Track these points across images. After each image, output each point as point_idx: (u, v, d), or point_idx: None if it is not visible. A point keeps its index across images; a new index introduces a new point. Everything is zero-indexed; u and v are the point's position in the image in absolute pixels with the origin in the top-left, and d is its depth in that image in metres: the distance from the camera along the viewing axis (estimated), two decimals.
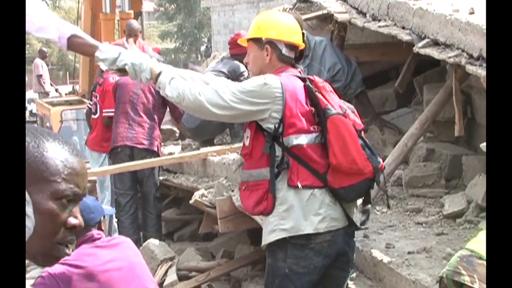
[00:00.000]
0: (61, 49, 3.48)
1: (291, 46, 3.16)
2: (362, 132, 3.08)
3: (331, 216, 2.99)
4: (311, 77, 3.12)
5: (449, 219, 3.81)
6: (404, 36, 4.09)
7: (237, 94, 3.01)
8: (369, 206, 3.18)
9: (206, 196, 4.95)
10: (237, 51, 5.19)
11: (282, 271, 3.03)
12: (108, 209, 4.06)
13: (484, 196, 3.68)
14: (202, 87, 3.04)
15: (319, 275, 3.06)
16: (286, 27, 3.18)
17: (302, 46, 3.20)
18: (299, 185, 2.98)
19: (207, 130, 5.54)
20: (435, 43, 3.85)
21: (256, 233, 4.51)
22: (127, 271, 2.86)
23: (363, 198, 3.12)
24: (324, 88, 3.06)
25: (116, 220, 5.86)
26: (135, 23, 7.26)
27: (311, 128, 3.01)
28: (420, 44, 3.93)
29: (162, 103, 5.67)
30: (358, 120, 3.08)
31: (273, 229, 3.01)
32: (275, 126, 2.99)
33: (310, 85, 3.03)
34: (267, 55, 3.12)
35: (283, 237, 2.99)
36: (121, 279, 2.80)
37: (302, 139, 3.02)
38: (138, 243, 5.53)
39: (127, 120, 5.55)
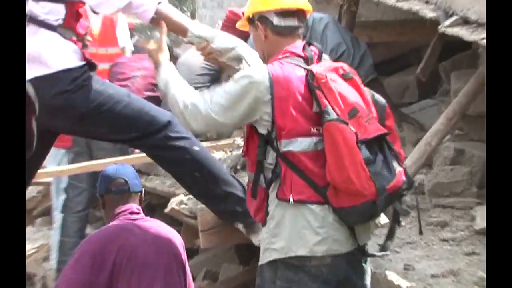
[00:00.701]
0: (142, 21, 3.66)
1: (284, 13, 2.90)
2: (386, 138, 2.81)
3: (333, 238, 2.75)
4: (313, 68, 2.79)
5: (481, 235, 3.65)
6: (428, 13, 3.91)
7: (221, 104, 2.86)
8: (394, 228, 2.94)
9: (186, 204, 4.70)
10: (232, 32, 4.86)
11: None
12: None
13: None
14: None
15: None
16: None
17: (301, 7, 2.95)
18: (291, 199, 2.78)
19: None
20: (465, 22, 3.67)
21: (245, 249, 4.50)
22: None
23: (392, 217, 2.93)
24: (328, 83, 2.74)
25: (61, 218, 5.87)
26: None
27: (312, 130, 2.75)
28: (447, 23, 3.74)
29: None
30: (379, 126, 2.80)
31: (266, 248, 2.87)
32: (268, 130, 2.81)
33: (311, 80, 2.76)
34: (262, 33, 2.94)
35: (278, 259, 2.82)
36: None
37: (296, 144, 2.78)
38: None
39: None
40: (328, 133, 2.71)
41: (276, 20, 2.89)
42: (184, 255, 3.41)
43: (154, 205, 5.93)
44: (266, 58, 3.00)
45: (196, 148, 3.51)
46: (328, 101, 2.73)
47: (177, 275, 3.30)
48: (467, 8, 3.62)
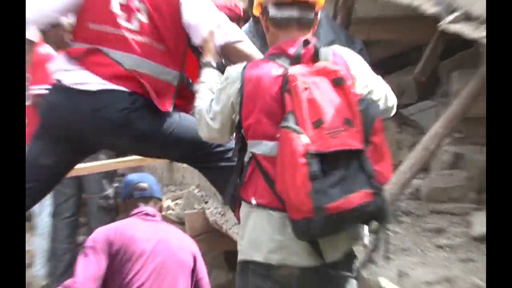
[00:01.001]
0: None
1: (280, 3, 2.78)
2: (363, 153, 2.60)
3: (292, 249, 2.66)
4: (292, 69, 2.68)
5: (478, 241, 3.67)
6: (429, 8, 3.89)
7: (212, 108, 2.87)
8: (365, 242, 2.78)
9: (173, 210, 4.75)
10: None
11: None
12: None
13: None
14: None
15: None
16: None
17: None
18: (253, 202, 2.72)
19: None
20: (468, 18, 3.68)
21: (234, 255, 4.13)
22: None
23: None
24: (297, 88, 2.61)
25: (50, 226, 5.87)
26: None
27: (278, 135, 2.64)
28: (448, 19, 3.74)
29: None
30: (353, 140, 2.59)
31: (238, 248, 2.85)
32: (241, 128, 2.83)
33: (284, 82, 2.66)
34: (264, 24, 2.86)
35: (242, 260, 2.77)
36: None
37: (259, 147, 2.72)
38: (67, 259, 5.77)
39: None
40: (280, 140, 2.64)
41: (272, 11, 2.80)
42: (193, 259, 3.56)
43: None
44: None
45: (230, 156, 3.48)
46: (294, 106, 2.63)
47: (184, 276, 3.45)
48: (470, 3, 3.60)
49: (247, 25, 4.49)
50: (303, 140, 2.54)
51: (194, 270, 3.57)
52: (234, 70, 2.83)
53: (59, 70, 3.34)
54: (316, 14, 2.85)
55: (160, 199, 3.80)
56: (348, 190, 2.55)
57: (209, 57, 3.17)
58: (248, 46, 3.25)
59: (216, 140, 3.09)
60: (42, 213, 5.90)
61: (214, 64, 3.12)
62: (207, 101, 2.94)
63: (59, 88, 3.32)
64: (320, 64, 2.72)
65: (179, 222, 4.51)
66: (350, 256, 2.78)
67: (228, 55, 3.24)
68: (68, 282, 3.61)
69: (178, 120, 3.42)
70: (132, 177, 3.82)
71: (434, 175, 4.33)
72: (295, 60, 2.73)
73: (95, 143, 3.49)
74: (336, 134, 2.59)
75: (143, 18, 3.29)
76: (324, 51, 2.78)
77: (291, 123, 2.58)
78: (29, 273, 6.23)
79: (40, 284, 6.14)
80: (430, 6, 3.87)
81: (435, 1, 3.88)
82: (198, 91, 3.04)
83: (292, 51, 2.74)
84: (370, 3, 5.10)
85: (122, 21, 3.28)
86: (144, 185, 3.70)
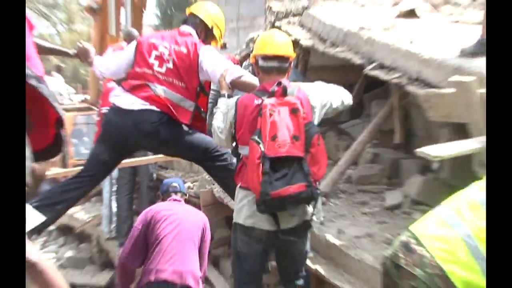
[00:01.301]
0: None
1: (266, 58, 2.93)
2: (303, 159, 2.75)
3: (260, 217, 2.83)
4: (266, 100, 2.80)
5: (388, 210, 3.75)
6: (357, 60, 4.04)
7: (220, 126, 3.00)
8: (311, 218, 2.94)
9: (192, 188, 4.86)
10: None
11: (236, 250, 2.99)
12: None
13: (417, 192, 3.70)
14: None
15: (262, 258, 2.97)
16: (259, 42, 3.00)
17: (278, 53, 2.93)
18: (239, 185, 2.91)
19: None
20: (382, 67, 3.81)
21: (231, 219, 4.26)
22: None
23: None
24: (265, 113, 2.75)
25: (115, 200, 5.79)
26: (135, 32, 6.94)
27: None
28: (369, 67, 3.89)
29: None
30: (297, 150, 2.72)
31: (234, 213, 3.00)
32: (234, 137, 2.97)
33: (260, 108, 2.79)
34: (255, 70, 3.01)
35: (234, 222, 2.94)
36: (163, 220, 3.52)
37: (244, 150, 2.89)
38: (130, 224, 5.59)
39: None
40: (249, 147, 2.75)
41: (261, 62, 2.95)
42: (202, 229, 3.64)
43: None
44: None
45: (231, 160, 3.48)
46: (262, 125, 2.73)
47: (193, 233, 3.57)
48: (383, 57, 3.77)
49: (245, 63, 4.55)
50: (261, 148, 2.68)
51: (202, 235, 3.64)
52: (232, 101, 2.96)
53: (115, 96, 3.48)
54: (290, 63, 2.96)
55: (185, 194, 3.91)
56: (287, 183, 2.67)
57: (224, 91, 3.22)
58: (249, 77, 3.25)
59: (224, 146, 3.09)
60: (103, 191, 5.85)
61: (227, 96, 3.18)
62: (219, 121, 3.02)
63: (114, 108, 3.45)
64: (286, 98, 2.81)
65: (196, 197, 4.59)
66: (303, 227, 2.89)
67: (237, 86, 3.27)
68: (120, 251, 3.90)
69: (192, 134, 3.47)
70: (168, 180, 4.00)
71: (360, 167, 4.43)
72: (270, 94, 2.82)
73: (135, 146, 3.53)
74: (283, 146, 2.70)
75: (170, 65, 3.39)
76: (291, 88, 2.85)
77: (256, 136, 2.72)
78: (99, 229, 6.18)
79: (105, 238, 6.04)
80: (357, 58, 4.03)
81: (361, 55, 4.02)
82: (215, 114, 3.07)
83: (270, 89, 2.85)
84: (319, 56, 4.97)
85: (155, 67, 3.41)
86: (175, 184, 3.89)
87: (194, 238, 3.55)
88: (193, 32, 3.49)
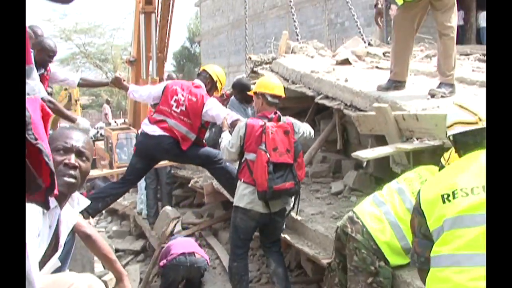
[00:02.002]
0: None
1: (273, 96, 2.97)
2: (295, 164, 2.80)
3: (257, 203, 2.84)
4: (268, 123, 2.83)
5: (334, 195, 3.71)
6: (310, 93, 3.99)
7: (231, 141, 2.96)
8: (290, 206, 2.95)
9: (198, 182, 4.79)
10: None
11: (234, 224, 2.96)
12: None
13: (353, 182, 3.65)
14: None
15: (253, 231, 2.97)
16: (268, 83, 3.02)
17: (281, 95, 2.99)
18: (242, 179, 2.89)
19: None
20: (327, 97, 3.77)
21: (226, 203, 4.40)
22: None
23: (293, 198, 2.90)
24: (268, 131, 2.77)
25: (145, 192, 5.61)
26: (173, 75, 6.85)
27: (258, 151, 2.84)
28: (318, 98, 3.85)
29: None
30: (289, 159, 2.77)
31: (234, 200, 3.00)
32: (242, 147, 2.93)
33: (263, 128, 2.82)
34: (260, 101, 2.98)
35: (235, 205, 2.93)
36: None
37: (249, 156, 2.89)
38: (156, 208, 5.44)
39: None
40: (257, 154, 2.78)
41: (269, 98, 2.95)
42: None
43: (184, 183, 5.81)
44: (256, 112, 3.04)
45: (229, 166, 3.44)
46: (266, 140, 2.78)
47: None
48: (327, 91, 3.73)
49: (232, 97, 4.43)
50: (267, 155, 2.75)
51: None
52: (242, 123, 2.96)
53: (144, 124, 3.50)
54: (280, 100, 3.00)
55: None
56: (284, 181, 2.74)
57: (225, 128, 3.20)
58: (240, 118, 3.26)
59: (231, 158, 2.98)
60: (139, 186, 5.57)
61: (227, 131, 3.15)
62: (226, 141, 3.00)
63: (143, 133, 3.48)
64: (280, 123, 2.89)
65: (201, 188, 4.44)
66: (283, 211, 2.94)
67: (234, 125, 3.22)
68: None
69: (196, 149, 3.43)
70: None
71: (314, 165, 4.31)
72: (270, 119, 2.89)
73: (159, 158, 3.56)
74: (282, 155, 2.78)
75: (183, 108, 3.36)
76: (283, 117, 2.95)
77: (263, 147, 2.77)
78: (134, 211, 5.87)
79: (139, 217, 5.75)
80: (310, 92, 3.96)
81: (312, 89, 3.95)
82: (222, 140, 3.06)
83: (269, 116, 2.91)
84: (284, 90, 4.63)
85: (173, 108, 3.38)
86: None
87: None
88: (202, 85, 3.47)
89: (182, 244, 3.71)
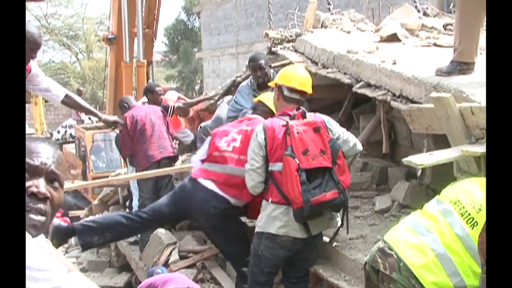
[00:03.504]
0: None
1: (292, 90, 3.07)
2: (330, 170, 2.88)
3: (291, 226, 2.90)
4: (291, 122, 2.94)
5: (378, 213, 3.76)
6: (346, 80, 4.05)
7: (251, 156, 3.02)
8: (338, 225, 3.05)
9: None
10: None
11: (256, 254, 3.04)
12: None
13: (403, 196, 3.69)
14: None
15: (283, 261, 3.05)
16: (288, 74, 3.12)
17: (303, 89, 3.08)
18: (270, 200, 2.97)
19: None
20: (368, 85, 3.82)
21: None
22: None
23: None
24: (293, 132, 2.87)
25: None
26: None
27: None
28: (357, 86, 3.90)
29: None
30: (326, 162, 2.86)
31: (255, 224, 3.10)
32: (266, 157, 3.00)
33: (287, 129, 2.92)
34: (276, 95, 3.14)
35: (259, 232, 3.02)
36: None
37: (275, 166, 2.95)
38: (149, 234, 5.37)
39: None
40: (285, 161, 2.85)
41: (286, 92, 3.08)
42: None
43: None
44: (275, 109, 3.20)
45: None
46: (291, 143, 2.85)
47: None
48: (369, 77, 3.77)
49: (244, 82, 4.51)
50: (296, 162, 2.80)
51: None
52: (259, 126, 3.03)
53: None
54: (306, 96, 3.12)
55: None
56: (323, 190, 2.78)
57: None
58: None
59: (260, 180, 3.00)
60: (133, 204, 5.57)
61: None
62: (252, 165, 3.02)
63: (190, 178, 3.58)
64: (307, 119, 2.98)
65: None
66: (321, 232, 3.05)
67: None
68: None
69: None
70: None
71: (351, 174, 4.04)
72: (292, 117, 2.99)
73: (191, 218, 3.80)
74: (315, 158, 2.84)
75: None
76: (308, 114, 3.03)
77: (289, 152, 2.83)
78: None
79: (125, 243, 5.65)
80: (346, 78, 4.03)
81: (349, 76, 4.02)
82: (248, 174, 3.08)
83: (290, 113, 3.02)
84: (312, 76, 4.54)
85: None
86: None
87: None
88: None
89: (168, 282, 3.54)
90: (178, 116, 6.02)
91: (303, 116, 3.00)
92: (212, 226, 3.46)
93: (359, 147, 3.15)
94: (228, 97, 5.32)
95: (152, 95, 5.54)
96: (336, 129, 3.07)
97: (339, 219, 3.00)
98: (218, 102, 5.60)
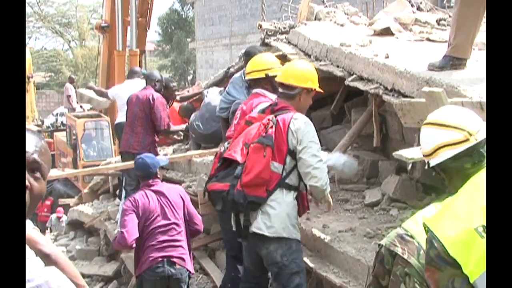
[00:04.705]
0: None
1: (279, 84, 3.07)
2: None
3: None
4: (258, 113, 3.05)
5: (368, 207, 3.76)
6: (338, 73, 4.06)
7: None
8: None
9: (191, 187, 4.82)
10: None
11: (301, 267, 3.01)
12: (162, 159, 4.17)
13: (394, 190, 3.68)
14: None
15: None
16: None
17: (280, 81, 3.00)
18: None
19: (217, 138, 5.09)
20: (360, 78, 3.82)
21: None
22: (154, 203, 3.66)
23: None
24: (242, 122, 3.04)
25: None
26: (137, 68, 6.75)
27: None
28: (349, 79, 3.91)
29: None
30: (235, 154, 2.87)
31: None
32: None
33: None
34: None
35: (294, 238, 2.99)
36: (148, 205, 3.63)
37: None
38: None
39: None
40: None
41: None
42: (186, 195, 3.84)
43: None
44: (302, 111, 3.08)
45: None
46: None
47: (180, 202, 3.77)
48: (362, 70, 3.79)
49: (239, 73, 4.47)
50: (222, 149, 3.12)
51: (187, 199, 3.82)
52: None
53: None
54: (298, 92, 2.97)
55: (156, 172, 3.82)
56: (218, 180, 2.94)
57: None
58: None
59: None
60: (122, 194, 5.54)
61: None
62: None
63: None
64: (265, 114, 3.01)
65: (194, 195, 4.52)
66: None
67: None
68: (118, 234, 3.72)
69: None
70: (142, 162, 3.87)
71: None
72: (262, 111, 3.07)
73: None
74: (232, 149, 2.96)
75: None
76: (288, 113, 2.93)
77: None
78: (107, 224, 5.92)
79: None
80: (338, 71, 4.04)
81: (342, 69, 4.03)
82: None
83: (265, 106, 3.08)
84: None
85: None
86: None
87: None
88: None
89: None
90: (178, 114, 6.00)
91: (272, 112, 2.94)
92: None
93: (352, 166, 3.26)
94: (219, 89, 5.31)
95: (167, 90, 5.32)
96: (303, 141, 2.86)
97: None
98: (205, 91, 5.53)
